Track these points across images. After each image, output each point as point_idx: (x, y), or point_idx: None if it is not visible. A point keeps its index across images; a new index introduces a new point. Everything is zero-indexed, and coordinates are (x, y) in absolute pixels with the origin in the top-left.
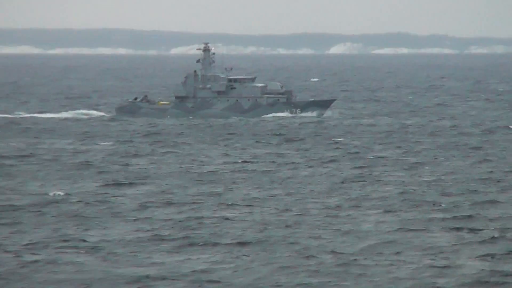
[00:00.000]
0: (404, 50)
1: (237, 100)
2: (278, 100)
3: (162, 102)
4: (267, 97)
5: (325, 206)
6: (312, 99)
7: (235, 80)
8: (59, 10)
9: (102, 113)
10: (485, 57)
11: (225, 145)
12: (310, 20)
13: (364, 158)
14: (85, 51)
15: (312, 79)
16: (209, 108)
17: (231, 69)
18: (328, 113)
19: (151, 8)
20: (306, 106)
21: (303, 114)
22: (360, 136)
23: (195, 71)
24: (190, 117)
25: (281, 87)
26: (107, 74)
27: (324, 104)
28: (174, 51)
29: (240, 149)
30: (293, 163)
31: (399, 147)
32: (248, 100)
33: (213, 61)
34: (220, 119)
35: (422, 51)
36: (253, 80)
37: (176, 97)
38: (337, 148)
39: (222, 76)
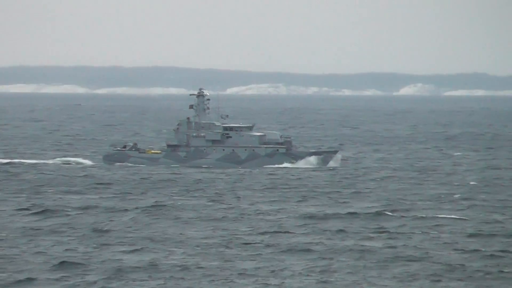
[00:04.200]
0: (480, 92)
1: (233, 150)
2: (277, 150)
3: (152, 151)
4: (266, 147)
5: None
6: (313, 150)
7: (231, 129)
8: (108, 47)
9: (87, 161)
10: None
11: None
12: (378, 59)
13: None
14: (133, 90)
15: None
16: (203, 158)
17: (227, 116)
18: (332, 163)
19: (206, 46)
20: (307, 157)
21: (302, 165)
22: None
23: (188, 118)
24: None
25: (280, 137)
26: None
27: (326, 156)
28: (230, 90)
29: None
30: None
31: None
32: (245, 150)
33: (208, 108)
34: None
35: (500, 93)
36: (250, 128)
37: (168, 146)
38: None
39: (218, 123)
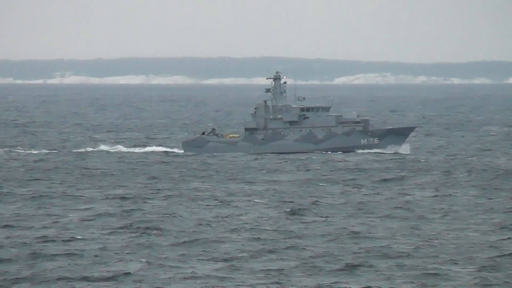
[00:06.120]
0: None
1: (310, 130)
2: (354, 129)
3: (230, 135)
4: (343, 126)
5: None
6: (390, 127)
7: (308, 109)
8: (215, 38)
9: (166, 149)
10: None
11: None
12: (488, 47)
13: None
14: (240, 81)
15: None
16: (280, 139)
17: (304, 98)
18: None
19: (315, 36)
20: (384, 134)
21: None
22: None
23: (265, 102)
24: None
25: (357, 116)
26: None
27: (403, 133)
28: (338, 80)
29: None
30: None
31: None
32: (322, 130)
33: (284, 91)
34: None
35: None
36: (327, 109)
37: (246, 129)
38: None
39: (294, 106)
